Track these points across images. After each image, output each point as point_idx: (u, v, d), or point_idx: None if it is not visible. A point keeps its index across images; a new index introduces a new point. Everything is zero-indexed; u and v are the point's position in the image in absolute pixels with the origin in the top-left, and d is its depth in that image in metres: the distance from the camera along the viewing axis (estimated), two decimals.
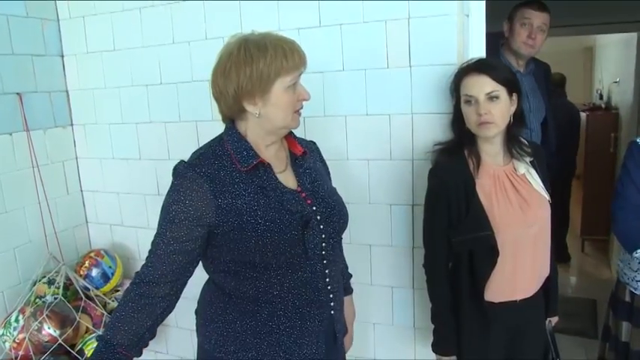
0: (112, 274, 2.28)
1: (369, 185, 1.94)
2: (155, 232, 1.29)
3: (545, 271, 1.69)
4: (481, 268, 1.57)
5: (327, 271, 1.38)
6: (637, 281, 1.84)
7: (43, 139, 2.34)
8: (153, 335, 1.32)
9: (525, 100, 2.15)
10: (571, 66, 6.17)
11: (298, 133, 1.46)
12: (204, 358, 1.42)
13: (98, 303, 2.16)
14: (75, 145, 2.52)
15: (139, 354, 1.30)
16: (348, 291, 1.66)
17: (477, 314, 1.61)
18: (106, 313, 2.16)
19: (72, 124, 2.50)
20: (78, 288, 2.14)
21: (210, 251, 1.32)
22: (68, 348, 1.99)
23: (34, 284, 2.15)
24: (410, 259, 1.93)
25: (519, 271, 1.59)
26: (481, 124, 1.53)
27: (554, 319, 1.83)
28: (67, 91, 2.48)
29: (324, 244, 1.35)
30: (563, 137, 4.37)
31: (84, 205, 2.56)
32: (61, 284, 2.10)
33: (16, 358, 1.98)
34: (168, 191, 1.29)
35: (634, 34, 4.31)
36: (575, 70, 6.87)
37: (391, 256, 1.96)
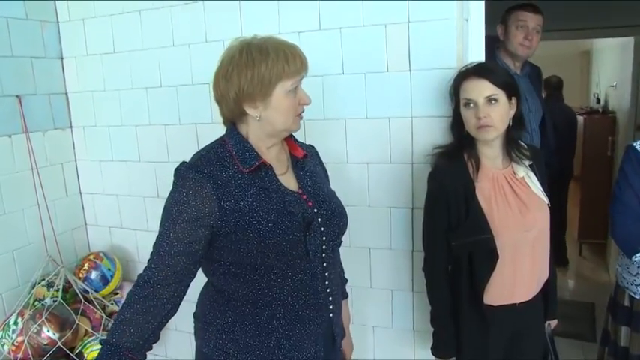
0: (112, 276, 2.27)
1: (369, 188, 1.94)
2: (157, 234, 1.29)
3: (545, 275, 1.69)
4: (480, 272, 1.58)
5: (326, 273, 1.39)
6: (636, 285, 1.85)
7: (42, 142, 2.34)
8: (157, 338, 1.32)
9: (524, 102, 2.17)
10: (568, 70, 6.19)
11: (298, 136, 1.47)
12: None
13: (97, 305, 2.16)
14: (74, 148, 2.52)
15: (144, 358, 1.30)
16: (344, 295, 1.65)
17: (476, 317, 1.61)
18: (105, 316, 2.15)
19: (71, 127, 2.50)
20: (77, 290, 2.14)
21: (211, 253, 1.32)
22: (67, 351, 1.99)
23: (33, 287, 2.15)
24: (409, 262, 1.94)
25: (518, 274, 1.60)
26: (480, 127, 1.53)
27: (553, 322, 1.83)
28: (66, 94, 2.48)
29: (324, 247, 1.36)
30: (560, 141, 4.39)
31: (83, 208, 2.56)
32: (60, 287, 2.09)
33: None
34: (171, 192, 1.29)
35: (631, 39, 4.33)
36: (573, 73, 6.90)
37: (391, 259, 1.97)
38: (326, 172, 1.58)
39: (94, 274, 2.24)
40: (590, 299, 3.95)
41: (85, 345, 2.04)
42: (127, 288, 2.36)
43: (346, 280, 1.69)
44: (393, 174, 1.90)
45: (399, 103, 1.84)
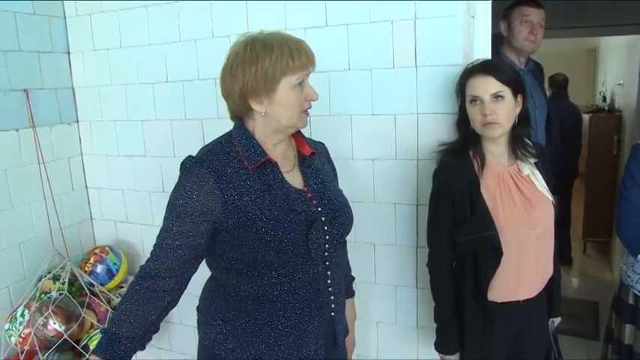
0: (117, 270, 2.29)
1: (374, 185, 1.94)
2: (161, 227, 1.30)
3: (549, 272, 1.69)
4: (485, 269, 1.58)
5: (328, 272, 1.38)
6: None
7: (48, 136, 2.35)
8: (157, 329, 1.33)
9: (529, 97, 2.18)
10: (574, 68, 6.17)
11: (304, 132, 1.47)
12: (204, 355, 1.43)
13: (103, 299, 2.17)
14: (80, 142, 2.53)
15: (143, 348, 1.32)
16: (350, 294, 1.65)
17: (480, 314, 1.61)
18: (110, 309, 2.17)
19: (77, 121, 2.51)
20: (83, 284, 2.15)
21: (214, 247, 1.32)
22: (73, 343, 2.00)
23: (40, 280, 2.16)
24: (413, 258, 1.94)
25: (523, 271, 1.60)
26: (486, 124, 1.53)
27: (557, 320, 1.84)
28: (72, 88, 2.49)
29: (327, 246, 1.35)
30: (565, 139, 4.39)
31: (89, 202, 2.57)
32: (66, 280, 2.11)
33: (21, 352, 1.99)
34: (175, 186, 1.29)
35: (638, 37, 4.31)
36: (579, 71, 6.88)
37: (395, 256, 1.97)
38: (335, 170, 1.58)
39: (99, 268, 2.25)
40: (594, 298, 3.94)
41: (91, 338, 2.06)
42: None
43: (353, 279, 1.69)
44: (399, 170, 1.90)
45: (405, 100, 1.84)
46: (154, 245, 1.30)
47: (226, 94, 1.34)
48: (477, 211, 1.56)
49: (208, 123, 2.18)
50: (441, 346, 1.71)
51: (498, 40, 2.42)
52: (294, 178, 1.38)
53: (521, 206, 1.59)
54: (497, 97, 1.52)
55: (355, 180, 1.92)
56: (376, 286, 2.01)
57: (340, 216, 1.40)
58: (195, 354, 1.45)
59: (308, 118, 1.37)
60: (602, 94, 6.39)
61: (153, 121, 2.33)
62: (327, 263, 1.37)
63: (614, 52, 6.00)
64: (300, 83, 1.29)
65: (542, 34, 2.37)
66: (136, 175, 2.42)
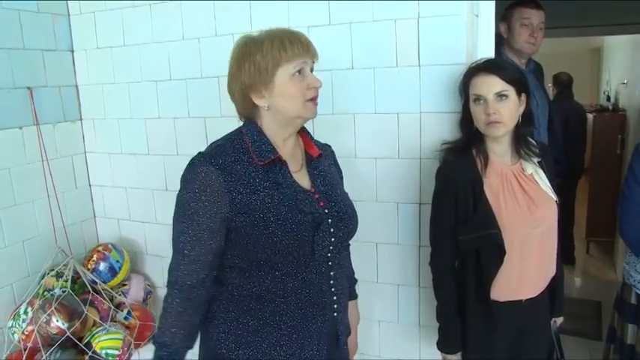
0: (120, 268, 2.29)
1: (377, 183, 1.94)
2: (175, 230, 1.30)
3: (552, 271, 1.69)
4: (487, 267, 1.58)
5: (331, 273, 1.38)
6: None
7: (52, 134, 2.36)
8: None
9: (532, 97, 2.18)
10: (579, 67, 6.15)
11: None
12: (206, 354, 1.43)
13: (105, 297, 2.18)
14: (84, 140, 2.54)
15: (192, 347, 1.36)
16: (353, 296, 1.65)
17: (482, 313, 1.61)
18: (113, 307, 2.17)
19: (81, 119, 2.52)
20: (86, 281, 2.16)
21: None
22: (76, 340, 2.01)
23: (43, 277, 2.17)
24: (416, 257, 1.94)
25: (525, 270, 1.59)
26: (489, 123, 1.53)
27: (560, 320, 1.83)
28: (76, 86, 2.49)
29: (331, 247, 1.35)
30: (570, 138, 4.38)
31: (92, 200, 2.58)
32: (69, 277, 2.11)
33: (24, 349, 2.00)
34: (183, 185, 1.28)
35: None
36: (583, 71, 6.86)
37: (397, 254, 1.97)
38: (341, 172, 1.58)
39: (102, 266, 2.26)
40: (597, 297, 3.94)
41: (94, 335, 2.06)
42: (135, 280, 2.39)
43: (356, 281, 1.69)
44: (401, 169, 1.90)
45: (408, 99, 1.84)
46: (176, 251, 1.30)
47: (232, 97, 1.36)
48: (479, 209, 1.55)
49: (211, 121, 2.18)
50: (443, 345, 1.71)
51: (498, 41, 2.41)
52: (302, 179, 1.38)
53: (525, 205, 1.59)
54: (500, 96, 1.52)
55: (358, 179, 1.92)
56: (378, 285, 2.01)
57: (346, 219, 1.39)
58: (197, 353, 1.45)
59: (316, 109, 1.35)
60: (606, 93, 6.36)
61: (156, 119, 2.33)
62: (330, 264, 1.37)
63: (618, 52, 5.98)
64: (299, 72, 1.29)
65: (542, 35, 2.37)
66: (139, 173, 2.43)
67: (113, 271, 2.28)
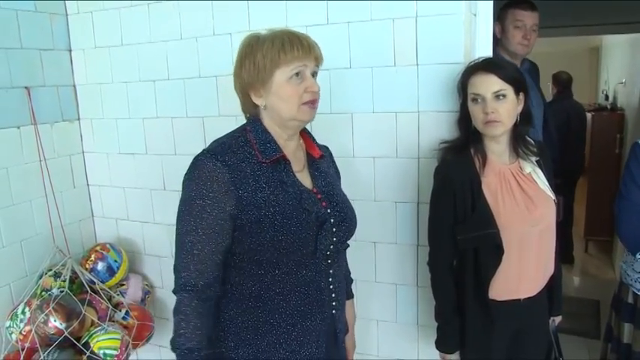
0: (118, 268, 2.28)
1: (375, 183, 1.94)
2: (180, 229, 1.28)
3: (550, 270, 1.69)
4: (486, 267, 1.58)
5: (330, 270, 1.39)
6: None
7: (50, 133, 2.35)
8: None
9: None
10: (577, 66, 6.16)
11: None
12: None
13: (103, 296, 2.17)
14: (82, 140, 2.53)
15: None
16: (350, 295, 1.66)
17: (480, 312, 1.61)
18: (111, 307, 2.17)
19: (79, 119, 2.51)
20: (84, 281, 2.15)
21: None
22: (74, 340, 2.01)
23: (41, 277, 2.16)
24: (414, 256, 1.94)
25: (524, 269, 1.60)
26: (487, 122, 1.53)
27: (558, 319, 1.83)
28: (74, 86, 2.49)
29: (332, 247, 1.36)
30: (571, 137, 4.40)
31: (90, 199, 2.58)
32: (67, 277, 2.11)
33: (22, 350, 1.99)
34: (189, 183, 1.27)
35: None
36: (581, 70, 6.86)
37: (396, 254, 1.97)
38: (339, 173, 1.58)
39: (100, 266, 2.25)
40: (596, 297, 3.94)
41: (92, 335, 2.05)
42: (133, 279, 2.38)
43: (352, 281, 1.69)
44: (399, 168, 1.90)
45: (406, 98, 1.84)
46: (184, 251, 1.27)
47: (237, 93, 1.36)
48: (477, 209, 1.55)
49: (209, 121, 2.18)
50: (441, 345, 1.71)
51: (494, 41, 2.42)
52: (304, 179, 1.39)
53: (523, 204, 1.59)
54: (499, 95, 1.52)
55: (356, 178, 1.92)
56: (377, 285, 2.01)
57: (347, 219, 1.40)
58: None
59: (314, 112, 1.35)
60: (604, 92, 6.38)
61: (154, 119, 2.33)
62: (330, 261, 1.38)
63: (616, 51, 5.99)
64: (297, 75, 1.28)
65: (535, 37, 2.38)
66: (137, 173, 2.42)
67: (111, 271, 2.28)
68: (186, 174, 1.29)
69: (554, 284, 1.73)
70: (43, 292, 2.09)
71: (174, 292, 1.31)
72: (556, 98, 4.67)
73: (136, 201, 2.46)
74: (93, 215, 2.59)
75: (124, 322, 2.20)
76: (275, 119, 1.33)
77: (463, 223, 1.57)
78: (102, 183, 2.54)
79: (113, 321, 2.18)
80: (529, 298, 1.63)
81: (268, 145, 1.31)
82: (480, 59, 1.61)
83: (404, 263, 1.96)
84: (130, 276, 2.39)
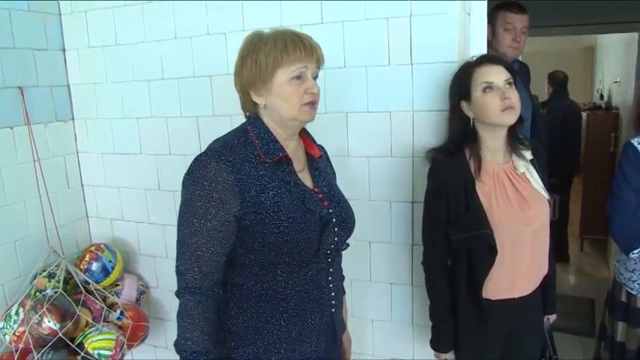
0: (112, 268, 2.28)
1: (370, 182, 1.94)
2: (183, 229, 1.26)
3: (544, 270, 1.69)
4: (479, 267, 1.58)
5: (330, 269, 1.39)
6: (633, 281, 1.85)
7: (44, 133, 2.34)
8: None
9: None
10: (572, 65, 6.18)
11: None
12: None
13: (98, 297, 2.17)
14: (76, 140, 2.52)
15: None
16: (343, 292, 1.66)
17: (475, 312, 1.61)
18: (105, 307, 2.16)
19: (73, 119, 2.50)
20: (78, 282, 2.14)
21: None
22: (68, 341, 2.00)
23: (35, 278, 2.15)
24: (409, 256, 1.94)
25: (518, 269, 1.60)
26: (506, 108, 1.52)
27: (552, 317, 1.84)
28: (68, 86, 2.48)
29: (332, 246, 1.36)
30: (567, 136, 4.41)
31: (84, 200, 2.57)
32: (62, 278, 2.10)
33: (16, 351, 1.98)
34: (192, 183, 1.25)
35: (635, 34, 4.32)
36: (576, 69, 6.88)
37: (390, 253, 1.97)
38: (334, 173, 1.58)
39: (94, 266, 2.24)
40: (591, 295, 3.95)
41: (86, 336, 2.05)
42: (128, 280, 2.38)
43: (344, 278, 1.69)
44: (394, 168, 1.90)
45: (401, 97, 1.84)
46: (187, 253, 1.26)
47: (238, 91, 1.36)
48: (471, 209, 1.56)
49: (204, 121, 2.17)
50: (436, 344, 1.72)
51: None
52: (305, 179, 1.39)
53: (517, 204, 1.59)
54: (509, 83, 1.55)
55: (351, 177, 1.92)
56: (371, 284, 2.01)
57: (348, 218, 1.41)
58: None
59: (314, 113, 1.35)
60: (599, 91, 6.40)
61: (148, 119, 2.32)
62: (330, 260, 1.38)
63: (611, 50, 6.01)
64: (299, 77, 1.28)
65: (525, 39, 2.40)
66: (132, 173, 2.41)
67: (106, 272, 2.27)
68: (188, 174, 1.27)
69: (548, 283, 1.73)
70: (37, 293, 2.08)
71: (177, 294, 1.29)
72: (552, 97, 4.68)
73: (130, 201, 2.45)
74: (87, 215, 2.58)
75: (119, 323, 2.19)
76: (275, 119, 1.33)
77: (457, 223, 1.57)
78: (96, 183, 2.53)
79: (108, 321, 2.17)
80: (523, 297, 1.63)
81: (271, 144, 1.31)
82: (477, 56, 1.62)
83: (399, 262, 1.96)
84: (124, 276, 2.38)
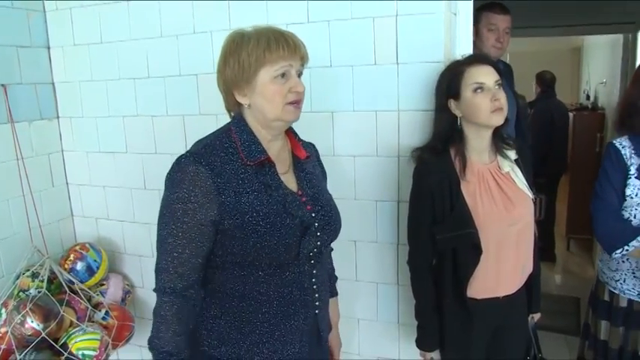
0: (97, 267, 2.26)
1: (355, 181, 1.94)
2: (162, 232, 1.27)
3: (529, 269, 1.70)
4: (464, 266, 1.59)
5: (314, 271, 1.38)
6: (615, 281, 1.87)
7: (28, 132, 2.32)
8: None
9: None
10: (559, 66, 6.22)
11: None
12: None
13: (83, 297, 2.14)
14: (61, 138, 2.50)
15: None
16: (334, 293, 1.66)
17: (460, 311, 1.62)
18: (90, 307, 2.14)
19: (58, 117, 2.48)
20: (62, 281, 2.12)
21: None
22: (51, 342, 1.98)
23: (18, 277, 2.13)
24: (395, 255, 1.94)
25: (502, 268, 1.61)
26: (496, 110, 1.53)
27: (537, 316, 1.85)
28: (53, 84, 2.45)
29: (315, 250, 1.35)
30: (554, 136, 4.45)
31: (69, 199, 2.54)
32: (45, 278, 2.08)
33: None
34: (171, 185, 1.25)
35: (620, 36, 4.36)
36: (563, 70, 6.93)
37: (376, 253, 1.97)
38: (324, 173, 1.57)
39: (79, 265, 2.22)
40: (577, 294, 3.98)
41: (70, 336, 2.03)
42: (113, 279, 2.36)
43: (336, 279, 1.69)
44: (380, 167, 1.90)
45: (386, 97, 1.84)
46: (165, 253, 1.27)
47: (221, 91, 1.34)
48: (456, 208, 1.56)
49: (190, 119, 2.16)
50: (421, 343, 1.72)
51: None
52: (289, 181, 1.37)
53: (501, 204, 1.60)
54: (499, 84, 1.55)
55: (337, 176, 1.91)
56: (357, 284, 2.01)
57: (332, 222, 1.39)
58: None
59: (299, 112, 1.34)
60: (585, 92, 6.45)
61: (134, 117, 2.30)
62: (313, 262, 1.37)
63: (597, 51, 6.06)
64: (283, 75, 1.27)
65: (508, 39, 2.42)
66: (118, 172, 2.40)
67: (91, 271, 2.25)
68: (168, 174, 1.27)
69: (533, 282, 1.75)
70: (21, 293, 2.06)
71: (155, 291, 1.30)
72: (539, 97, 4.72)
73: (116, 200, 2.43)
74: (72, 214, 2.56)
75: (104, 323, 2.18)
76: (259, 119, 1.31)
77: (442, 223, 1.57)
78: (81, 182, 2.50)
79: (92, 321, 2.15)
80: (508, 296, 1.65)
81: (253, 147, 1.29)
82: (465, 56, 1.64)
83: (384, 262, 1.96)
84: (110, 276, 2.37)
